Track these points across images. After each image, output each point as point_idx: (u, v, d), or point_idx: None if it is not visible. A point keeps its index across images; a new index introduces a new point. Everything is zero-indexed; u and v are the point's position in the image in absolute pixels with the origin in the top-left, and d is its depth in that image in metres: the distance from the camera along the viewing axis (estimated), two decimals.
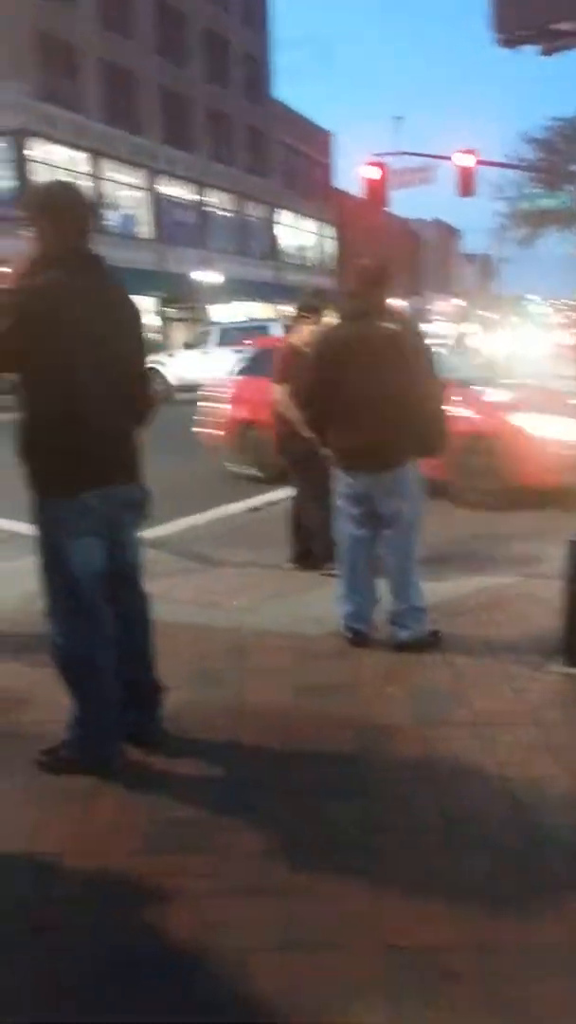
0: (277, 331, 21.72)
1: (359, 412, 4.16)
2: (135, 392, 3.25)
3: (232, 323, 25.19)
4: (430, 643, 4.31)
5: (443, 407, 4.34)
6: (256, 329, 22.37)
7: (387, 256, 4.54)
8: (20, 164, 28.38)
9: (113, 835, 2.85)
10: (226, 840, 2.80)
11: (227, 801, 3.03)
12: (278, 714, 3.67)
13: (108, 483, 3.14)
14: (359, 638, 4.41)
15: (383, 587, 4.44)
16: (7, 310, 2.98)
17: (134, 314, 3.31)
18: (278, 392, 5.60)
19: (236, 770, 3.24)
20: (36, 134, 29.22)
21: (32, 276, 3.05)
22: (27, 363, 3.00)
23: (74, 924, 2.45)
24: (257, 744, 3.43)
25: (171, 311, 36.66)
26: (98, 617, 3.19)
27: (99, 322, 3.06)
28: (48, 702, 3.53)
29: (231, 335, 22.53)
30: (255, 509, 8.28)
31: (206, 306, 36.37)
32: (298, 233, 49.03)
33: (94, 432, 3.07)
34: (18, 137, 28.57)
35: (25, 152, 28.74)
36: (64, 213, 3.10)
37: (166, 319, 36.51)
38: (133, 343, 3.29)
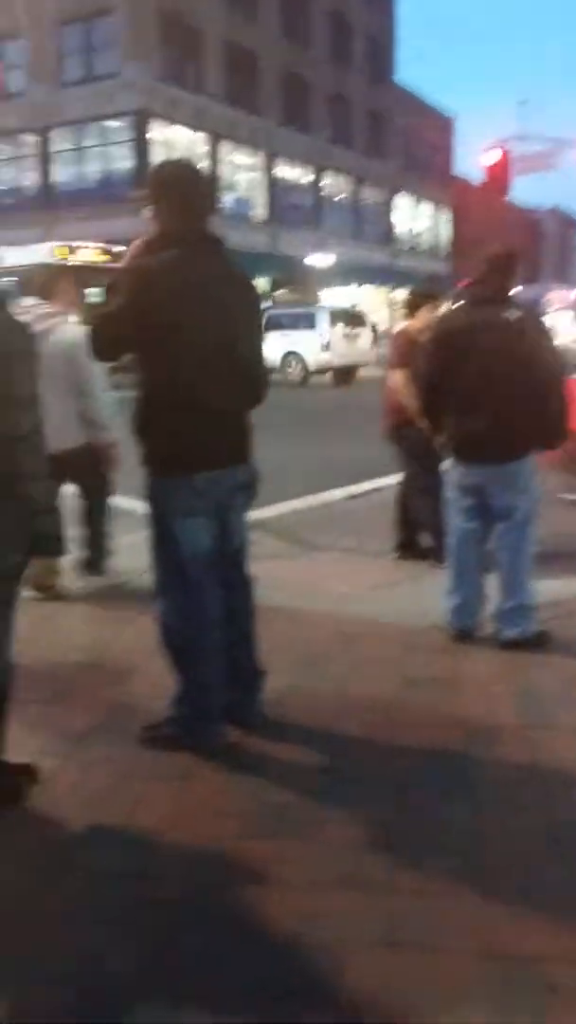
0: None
1: (479, 400, 4.05)
2: (249, 373, 3.23)
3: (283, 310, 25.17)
4: (538, 643, 4.18)
5: (564, 397, 4.18)
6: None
7: (507, 243, 4.39)
8: (140, 145, 28.78)
9: (211, 816, 2.86)
10: (325, 830, 2.77)
11: (327, 790, 3.00)
12: (380, 706, 3.62)
13: (219, 465, 3.14)
14: (464, 633, 4.31)
15: (492, 582, 4.32)
16: (123, 290, 2.99)
17: (251, 295, 3.29)
18: (394, 379, 5.51)
19: (336, 759, 3.20)
20: (157, 115, 29.57)
21: (149, 256, 3.05)
22: (142, 343, 3.01)
23: (168, 902, 2.46)
24: (358, 735, 3.38)
25: (282, 293, 36.73)
26: (205, 598, 3.20)
27: (214, 303, 3.05)
28: (154, 677, 3.56)
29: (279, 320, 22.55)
30: (355, 496, 8.21)
31: (317, 290, 36.30)
32: (414, 218, 48.40)
33: (207, 413, 3.08)
34: (139, 118, 28.98)
35: (146, 133, 29.11)
36: (183, 192, 3.10)
37: (276, 301, 36.60)
38: (249, 325, 3.26)
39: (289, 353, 22.54)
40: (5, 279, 21.07)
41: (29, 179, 31.91)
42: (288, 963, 2.22)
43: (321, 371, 22.77)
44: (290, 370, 22.71)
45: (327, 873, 2.56)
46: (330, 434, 12.44)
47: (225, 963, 2.22)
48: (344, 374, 22.97)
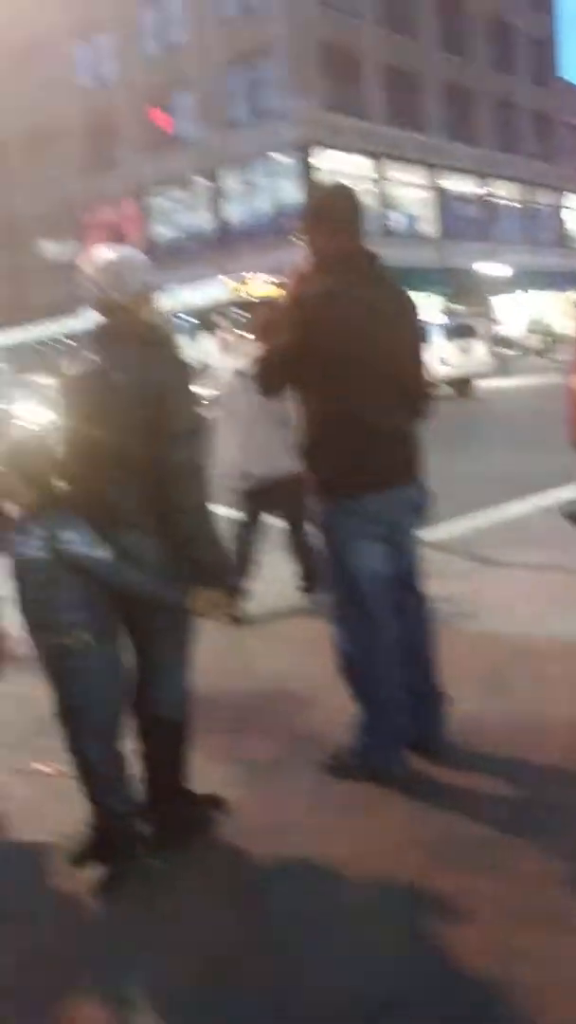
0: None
1: None
2: (413, 389, 3.18)
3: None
4: None
5: None
6: None
7: None
8: (306, 175, 29.28)
9: (397, 848, 2.77)
10: (518, 863, 2.62)
11: (519, 821, 2.84)
12: (574, 730, 3.41)
13: (389, 485, 3.08)
14: None
15: None
16: (290, 323, 3.00)
17: (411, 309, 3.23)
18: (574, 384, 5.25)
19: (528, 788, 3.04)
20: (322, 144, 30.03)
21: (307, 283, 3.05)
22: (307, 370, 2.99)
23: (358, 936, 2.39)
24: (550, 761, 3.20)
25: (455, 307, 36.25)
26: (381, 623, 3.13)
27: (379, 322, 3.02)
28: (337, 705, 3.51)
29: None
30: (541, 508, 7.88)
31: (489, 298, 35.61)
32: None
33: (374, 434, 3.04)
34: (304, 149, 29.52)
35: (311, 163, 29.60)
36: (337, 215, 3.08)
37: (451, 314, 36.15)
38: (411, 339, 3.22)
39: None
40: (185, 318, 22.05)
41: (202, 220, 33.16)
42: (484, 1005, 2.11)
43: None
44: None
45: (523, 909, 2.42)
46: (480, 446, 12.06)
47: (418, 1002, 2.13)
48: (461, 385, 22.28)
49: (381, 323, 3.04)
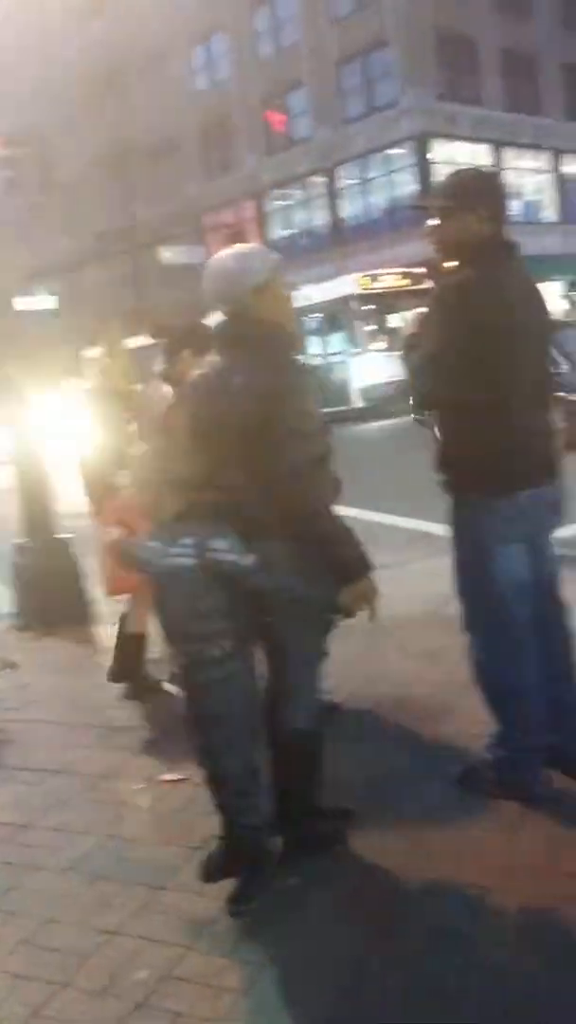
0: None
1: None
2: (551, 383, 3.05)
3: None
4: None
5: None
6: None
7: None
8: (422, 167, 28.84)
9: (542, 872, 2.61)
10: None
11: None
12: None
13: (537, 484, 2.92)
14: None
15: None
16: (439, 315, 2.86)
17: (544, 303, 3.07)
18: None
19: None
20: (438, 135, 29.53)
21: (453, 272, 2.91)
22: (459, 361, 2.84)
23: (493, 960, 2.25)
24: None
25: None
26: (521, 632, 2.96)
27: (522, 313, 2.88)
28: (469, 715, 3.37)
29: None
30: None
31: None
32: None
33: (527, 428, 2.89)
34: (420, 141, 29.09)
35: (427, 155, 29.16)
36: (482, 200, 2.92)
37: (575, 303, 35.03)
38: (548, 333, 3.07)
39: None
40: (313, 316, 22.08)
41: (319, 218, 33.13)
42: None
43: None
44: None
45: None
46: None
47: None
48: None
49: (528, 314, 2.90)
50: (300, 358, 2.81)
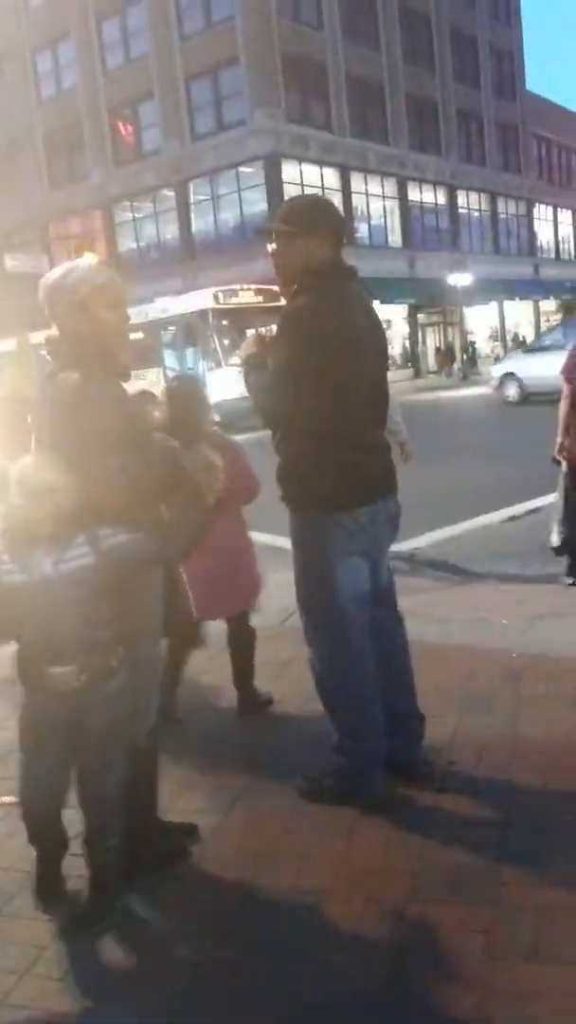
0: None
1: None
2: (386, 400, 3.16)
3: None
4: None
5: None
6: None
7: None
8: (272, 187, 29.31)
9: (378, 876, 2.68)
10: (505, 893, 2.53)
11: (504, 845, 2.76)
12: (556, 748, 3.34)
13: (377, 498, 3.00)
14: None
15: None
16: (281, 339, 2.90)
17: (379, 324, 3.20)
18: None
19: (512, 810, 2.95)
20: (288, 156, 30.08)
21: (296, 294, 2.96)
22: (303, 382, 2.88)
23: (334, 970, 2.29)
24: (534, 781, 3.12)
25: (422, 317, 36.49)
26: (360, 642, 3.04)
27: (362, 334, 2.96)
28: (311, 726, 3.42)
29: None
30: (514, 518, 7.85)
31: (462, 308, 35.84)
32: (557, 227, 47.17)
33: (367, 445, 2.99)
34: (270, 161, 29.54)
35: (278, 175, 29.61)
36: (330, 223, 3.00)
37: (417, 325, 36.38)
38: (383, 352, 3.18)
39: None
40: (168, 328, 21.97)
41: (170, 232, 33.07)
42: None
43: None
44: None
45: (512, 943, 2.32)
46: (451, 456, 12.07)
47: None
48: None
49: (365, 334, 2.99)
50: (107, 376, 2.75)
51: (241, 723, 3.87)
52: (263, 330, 3.11)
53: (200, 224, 32.20)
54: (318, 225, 2.97)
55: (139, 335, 27.67)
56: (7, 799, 3.34)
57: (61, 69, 34.89)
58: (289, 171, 30.25)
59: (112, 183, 33.63)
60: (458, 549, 6.87)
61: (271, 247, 3.04)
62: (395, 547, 6.44)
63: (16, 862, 2.91)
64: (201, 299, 21.23)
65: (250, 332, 3.12)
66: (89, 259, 2.84)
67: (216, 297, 20.83)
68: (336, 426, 2.90)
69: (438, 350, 37.41)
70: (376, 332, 3.11)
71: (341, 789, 3.08)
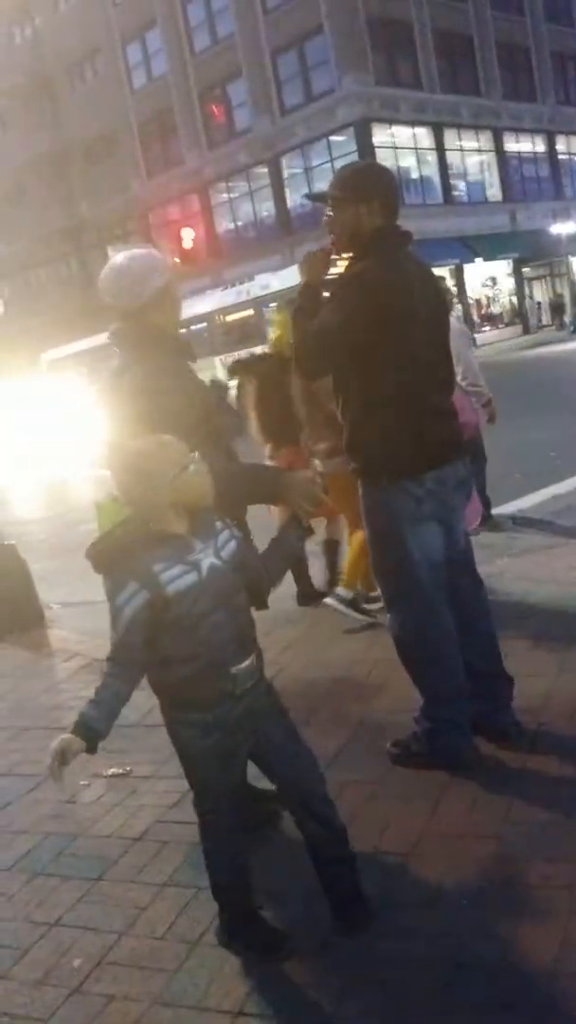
0: None
1: None
2: (450, 364, 3.16)
3: None
4: None
5: None
6: None
7: None
8: (364, 153, 28.91)
9: (465, 837, 2.71)
10: None
11: None
12: None
13: (444, 462, 3.01)
14: None
15: None
16: (346, 298, 2.93)
17: (441, 289, 3.20)
18: None
19: None
20: (378, 120, 29.61)
21: (353, 260, 3.00)
22: (362, 349, 2.92)
23: (417, 931, 2.34)
24: None
25: (527, 271, 35.43)
26: (440, 607, 3.06)
27: (418, 300, 2.96)
28: (402, 691, 3.46)
29: None
30: None
31: (568, 258, 34.67)
32: None
33: (430, 410, 2.99)
34: (361, 126, 29.14)
35: (369, 139, 29.21)
36: (373, 192, 3.01)
37: (523, 280, 35.35)
38: (444, 317, 3.17)
39: None
40: (270, 305, 22.21)
41: (265, 209, 33.11)
42: (549, 1002, 2.03)
43: None
44: None
45: None
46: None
47: (470, 997, 2.07)
48: None
49: (423, 300, 2.98)
50: (187, 363, 2.84)
51: (331, 692, 3.94)
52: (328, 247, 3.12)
53: (295, 198, 32.09)
54: (368, 192, 2.98)
55: (243, 314, 28.20)
56: (113, 770, 3.53)
57: (151, 57, 35.21)
58: (381, 135, 29.79)
59: (207, 166, 33.85)
60: (566, 508, 6.73)
61: (325, 216, 3.07)
62: (498, 509, 6.41)
63: (119, 830, 3.09)
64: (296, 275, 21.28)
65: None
66: (149, 248, 2.94)
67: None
68: (395, 392, 2.92)
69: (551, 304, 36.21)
70: (434, 297, 3.09)
71: (429, 753, 3.12)
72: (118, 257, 2.75)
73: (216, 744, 2.25)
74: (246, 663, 2.26)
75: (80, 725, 2.09)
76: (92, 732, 2.10)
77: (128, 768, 3.53)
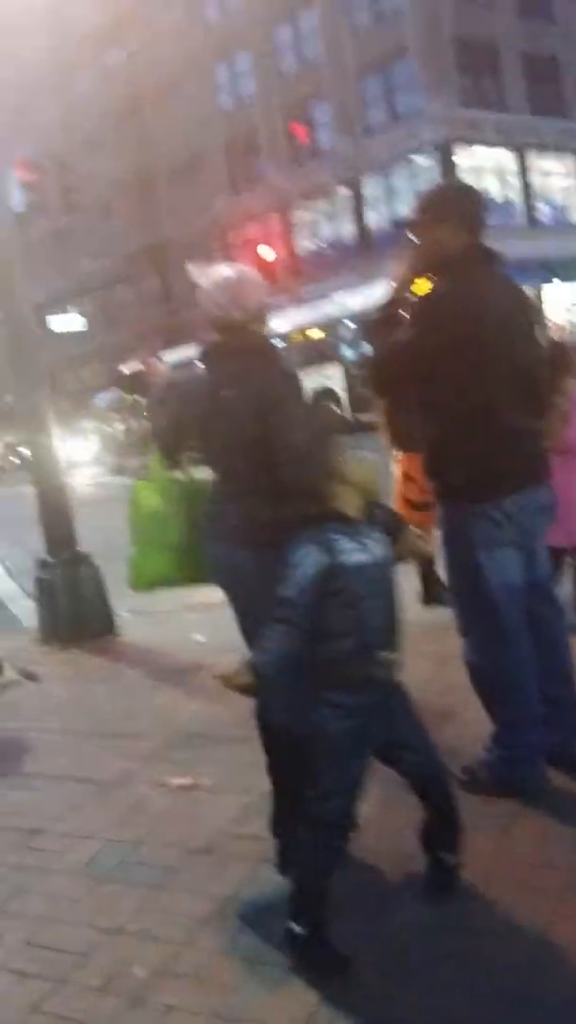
0: None
1: None
2: (537, 386, 3.06)
3: None
4: None
5: None
6: None
7: None
8: (446, 173, 28.82)
9: (535, 868, 2.64)
10: None
11: None
12: None
13: (526, 486, 2.95)
14: None
15: None
16: (423, 318, 2.93)
17: (531, 309, 3.14)
18: None
19: None
20: (461, 140, 29.53)
21: (433, 280, 2.98)
22: (438, 370, 2.90)
23: (485, 957, 2.29)
24: None
25: None
26: (515, 634, 3.00)
27: (502, 319, 2.92)
28: (473, 718, 3.39)
29: None
30: None
31: None
32: None
33: (511, 433, 2.93)
34: (444, 147, 29.09)
35: (451, 160, 29.13)
36: (454, 213, 2.99)
37: None
38: (531, 337, 3.12)
39: None
40: (348, 326, 22.32)
41: (345, 228, 33.24)
42: None
43: None
44: None
45: None
46: None
47: None
48: None
49: (509, 320, 2.96)
50: (295, 373, 2.91)
51: None
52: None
53: (374, 218, 32.15)
54: (446, 212, 2.97)
55: (320, 332, 28.31)
56: (179, 780, 3.54)
57: (237, 78, 35.80)
58: (463, 156, 29.69)
59: (288, 185, 34.17)
60: None
61: (411, 237, 3.06)
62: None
63: (182, 839, 3.09)
64: (379, 291, 21.32)
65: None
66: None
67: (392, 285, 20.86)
68: (472, 414, 2.88)
69: None
70: (522, 316, 3.05)
71: (499, 781, 3.05)
72: (227, 270, 2.82)
73: (353, 727, 2.33)
74: (394, 654, 2.37)
75: (250, 665, 2.27)
76: (259, 674, 2.26)
77: (195, 779, 3.53)
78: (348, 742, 2.35)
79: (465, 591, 3.06)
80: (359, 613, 2.29)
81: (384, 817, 3.00)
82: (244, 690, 2.32)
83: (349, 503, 2.32)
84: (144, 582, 3.17)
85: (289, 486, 2.44)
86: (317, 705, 2.35)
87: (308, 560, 2.24)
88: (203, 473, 3.04)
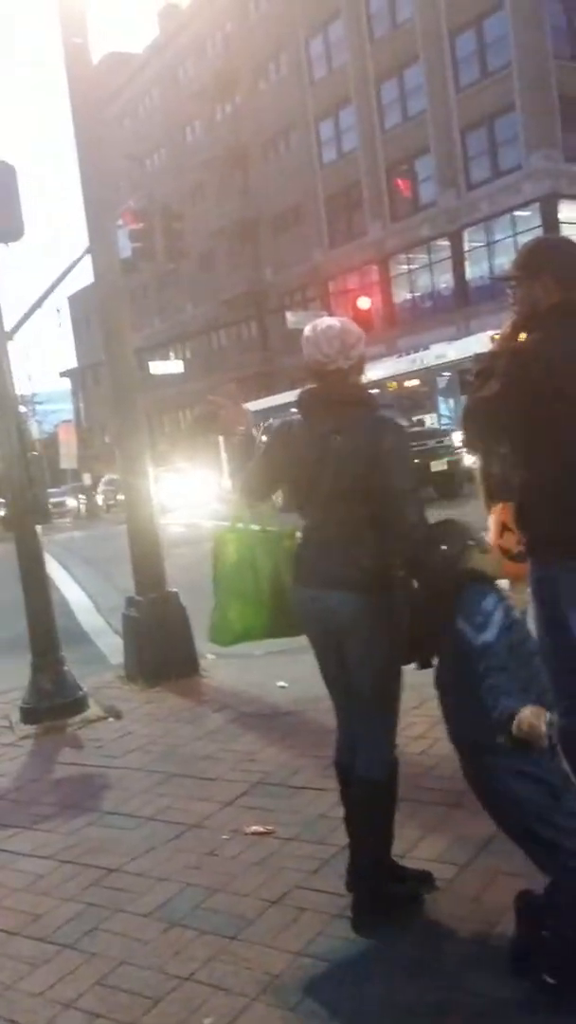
0: None
1: None
2: None
3: None
4: None
5: None
6: None
7: None
8: (548, 228, 28.70)
9: None
10: None
11: None
12: None
13: None
14: None
15: None
16: (502, 373, 2.90)
17: None
18: None
19: None
20: (565, 196, 29.39)
21: (521, 335, 2.96)
22: (527, 424, 2.86)
23: None
24: None
25: None
26: None
27: None
28: None
29: None
30: None
31: None
32: None
33: None
34: (547, 202, 29.00)
35: (555, 215, 29.00)
36: (548, 267, 2.96)
37: None
38: None
39: None
40: (444, 374, 22.34)
41: (443, 280, 33.33)
42: None
43: None
44: None
45: None
46: None
47: None
48: None
49: None
50: (396, 419, 2.98)
51: None
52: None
53: (474, 271, 32.16)
54: (540, 267, 2.93)
55: (415, 382, 28.37)
56: (256, 828, 3.51)
57: (342, 133, 36.55)
58: (567, 211, 29.51)
59: (389, 237, 34.54)
60: None
61: (508, 292, 3.05)
62: None
63: (257, 889, 3.05)
64: (477, 343, 21.29)
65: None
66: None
67: (493, 340, 20.82)
68: (561, 468, 2.82)
69: None
70: None
71: None
72: (332, 320, 2.89)
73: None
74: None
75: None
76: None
77: (271, 828, 3.50)
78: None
79: (554, 653, 2.96)
80: (532, 670, 2.39)
81: (469, 882, 2.91)
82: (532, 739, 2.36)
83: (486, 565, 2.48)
84: (228, 637, 3.15)
85: (397, 533, 2.63)
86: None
87: (498, 608, 2.39)
88: (278, 522, 3.08)
